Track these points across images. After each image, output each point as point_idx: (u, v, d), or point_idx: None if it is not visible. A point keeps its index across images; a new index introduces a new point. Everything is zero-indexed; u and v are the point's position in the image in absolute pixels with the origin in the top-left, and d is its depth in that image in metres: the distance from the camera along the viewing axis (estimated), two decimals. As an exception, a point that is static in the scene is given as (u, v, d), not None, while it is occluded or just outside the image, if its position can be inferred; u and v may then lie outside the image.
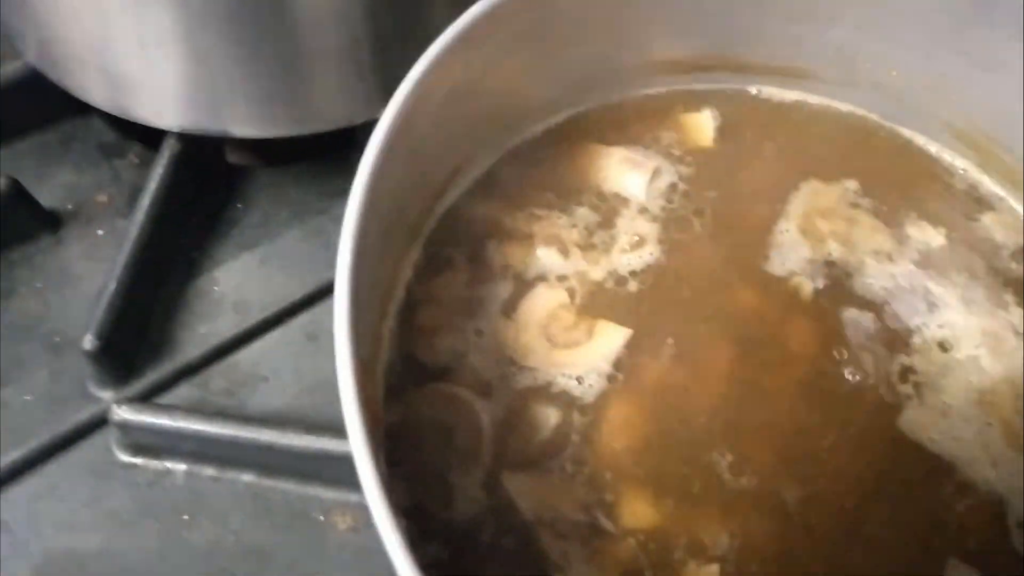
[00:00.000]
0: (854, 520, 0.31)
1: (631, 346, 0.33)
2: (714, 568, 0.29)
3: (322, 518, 0.44)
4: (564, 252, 0.34)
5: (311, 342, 0.50)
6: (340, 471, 0.43)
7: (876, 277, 0.35)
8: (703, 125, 0.38)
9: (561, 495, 0.30)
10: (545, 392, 0.32)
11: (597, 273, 0.35)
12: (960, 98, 0.37)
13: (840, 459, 0.32)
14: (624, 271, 0.35)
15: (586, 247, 0.35)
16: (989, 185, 0.38)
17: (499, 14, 0.29)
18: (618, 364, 0.33)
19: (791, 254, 0.35)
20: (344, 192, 0.50)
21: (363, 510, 0.44)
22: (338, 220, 0.49)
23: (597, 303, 0.34)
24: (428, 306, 0.33)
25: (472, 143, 0.35)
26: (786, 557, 0.30)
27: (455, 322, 0.33)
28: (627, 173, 0.36)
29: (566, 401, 0.32)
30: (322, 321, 0.50)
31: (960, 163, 0.39)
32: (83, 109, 0.53)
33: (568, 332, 0.32)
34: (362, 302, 0.25)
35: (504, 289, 0.34)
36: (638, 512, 0.30)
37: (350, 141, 0.52)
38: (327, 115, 0.50)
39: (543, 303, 0.33)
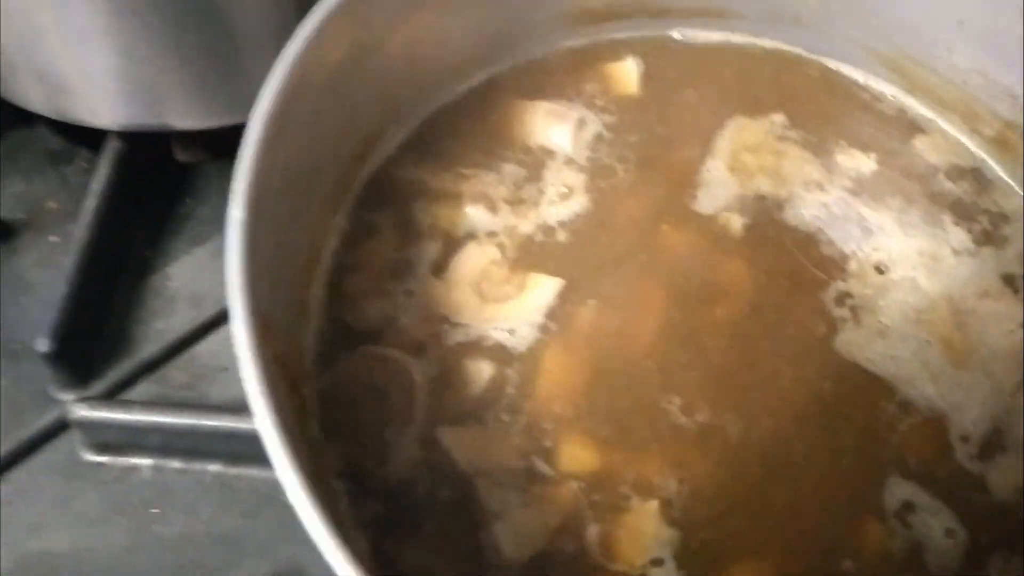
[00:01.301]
0: (796, 447, 0.31)
1: (563, 296, 0.33)
2: (654, 503, 0.29)
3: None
4: (492, 208, 0.34)
5: (270, 330, 0.50)
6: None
7: (807, 207, 0.36)
8: (627, 73, 0.38)
9: (498, 445, 0.30)
10: (478, 347, 0.32)
11: (527, 227, 0.35)
12: (880, 22, 0.37)
13: (781, 388, 0.32)
14: (553, 222, 0.35)
15: (515, 202, 0.35)
16: (918, 108, 0.38)
17: None
18: (551, 314, 0.33)
19: (719, 191, 0.35)
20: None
21: (332, 491, 0.44)
22: (290, 207, 0.50)
23: (528, 256, 0.34)
24: (356, 272, 0.33)
25: (392, 107, 0.35)
26: (731, 490, 0.30)
27: (384, 286, 0.33)
28: (552, 126, 0.36)
29: (500, 354, 0.32)
30: (281, 309, 0.51)
31: (887, 88, 0.39)
32: (27, 119, 0.53)
33: (500, 286, 0.33)
34: (273, 272, 0.25)
35: (433, 249, 0.34)
36: (578, 457, 0.30)
37: (294, 126, 0.52)
38: (266, 101, 0.50)
39: (474, 260, 0.33)
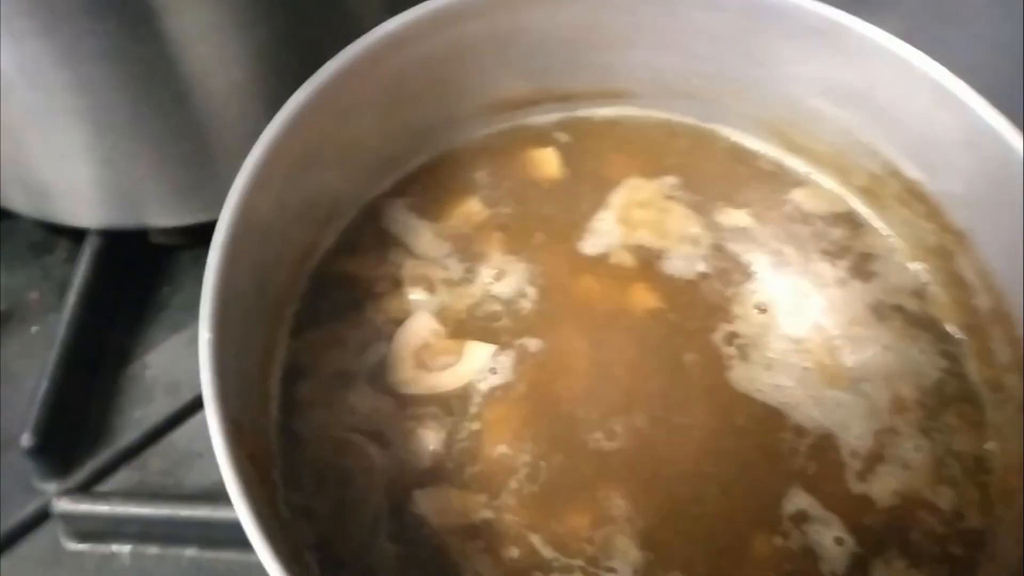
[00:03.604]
0: (705, 468, 0.34)
1: (498, 356, 0.37)
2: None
3: (262, 584, 0.46)
4: (431, 289, 0.37)
5: (243, 414, 0.52)
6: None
7: (686, 259, 0.39)
8: (549, 159, 0.42)
9: (456, 501, 0.33)
10: (427, 412, 0.35)
11: (461, 302, 0.38)
12: (754, 93, 0.41)
13: (685, 420, 0.35)
14: (482, 296, 0.38)
15: (452, 283, 0.38)
16: (797, 165, 0.43)
17: (325, 94, 0.33)
18: (489, 375, 0.36)
19: (604, 239, 0.39)
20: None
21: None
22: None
23: (463, 327, 0.38)
24: (308, 378, 0.36)
25: (328, 208, 0.38)
26: (657, 505, 0.34)
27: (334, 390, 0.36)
28: (466, 207, 0.40)
29: (449, 416, 0.35)
30: (254, 392, 0.53)
31: (769, 149, 0.43)
32: (8, 212, 0.55)
33: (440, 357, 0.36)
34: (238, 377, 0.28)
35: (386, 339, 0.37)
36: (526, 502, 0.33)
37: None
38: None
39: (415, 334, 0.36)
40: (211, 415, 0.25)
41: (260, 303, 0.32)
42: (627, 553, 0.32)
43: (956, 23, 0.44)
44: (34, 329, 0.54)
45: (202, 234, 0.57)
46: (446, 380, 0.35)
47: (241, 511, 0.23)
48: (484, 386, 0.36)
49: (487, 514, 0.33)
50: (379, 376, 0.36)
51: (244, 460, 0.25)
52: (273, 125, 0.31)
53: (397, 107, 0.38)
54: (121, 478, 0.49)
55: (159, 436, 0.50)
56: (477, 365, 0.36)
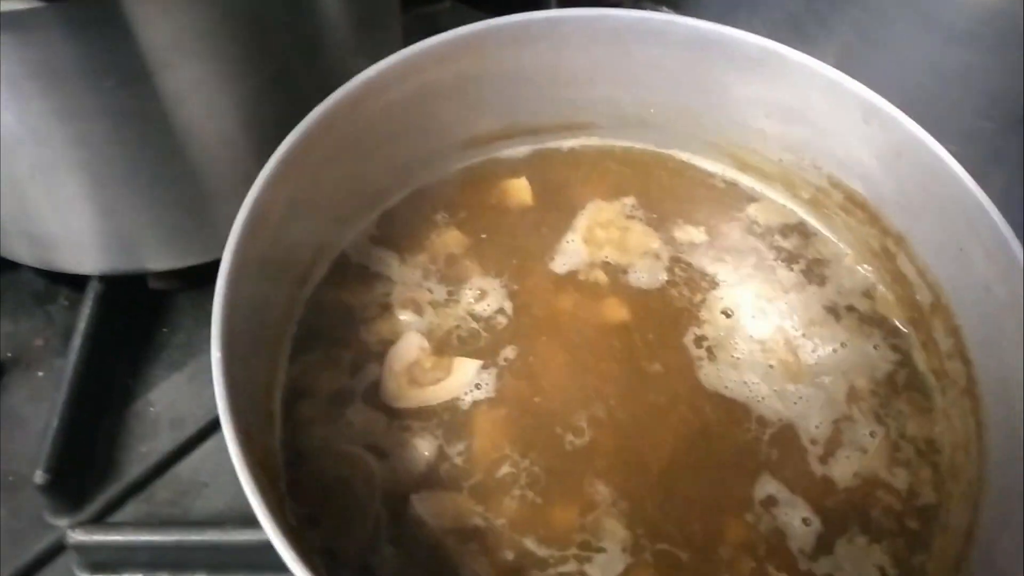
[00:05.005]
0: (682, 457, 0.37)
1: (483, 371, 0.39)
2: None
3: (269, 604, 0.48)
4: (419, 311, 0.40)
5: (244, 444, 0.54)
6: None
7: (649, 271, 0.43)
8: (522, 188, 0.45)
9: (450, 505, 0.36)
10: (420, 425, 0.38)
11: (448, 322, 0.41)
12: (705, 119, 0.45)
13: (658, 416, 0.38)
14: (468, 314, 0.41)
15: (437, 304, 0.41)
16: (749, 182, 0.47)
17: (311, 139, 0.36)
18: (475, 389, 0.39)
19: (573, 258, 0.43)
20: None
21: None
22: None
23: (449, 345, 0.40)
24: (308, 397, 0.39)
25: (318, 240, 0.41)
26: (640, 490, 0.36)
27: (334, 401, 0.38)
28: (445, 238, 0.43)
29: (441, 427, 0.38)
30: (254, 423, 0.55)
31: (722, 170, 0.47)
32: (12, 264, 0.57)
33: (430, 373, 0.38)
34: (247, 392, 0.30)
35: (378, 359, 0.39)
36: (517, 503, 0.36)
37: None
38: (231, 239, 0.56)
39: (405, 352, 0.39)
40: (226, 425, 0.27)
41: (261, 329, 0.35)
42: (615, 533, 0.34)
43: (883, 48, 0.48)
44: (40, 374, 0.55)
45: (196, 278, 0.60)
46: (436, 394, 0.38)
47: (257, 508, 0.26)
48: (471, 398, 0.39)
49: (479, 520, 0.35)
50: (374, 393, 0.38)
51: (256, 467, 0.28)
52: (267, 168, 0.34)
53: (377, 148, 0.41)
54: (130, 510, 0.50)
55: (165, 469, 0.52)
56: (464, 379, 0.38)
